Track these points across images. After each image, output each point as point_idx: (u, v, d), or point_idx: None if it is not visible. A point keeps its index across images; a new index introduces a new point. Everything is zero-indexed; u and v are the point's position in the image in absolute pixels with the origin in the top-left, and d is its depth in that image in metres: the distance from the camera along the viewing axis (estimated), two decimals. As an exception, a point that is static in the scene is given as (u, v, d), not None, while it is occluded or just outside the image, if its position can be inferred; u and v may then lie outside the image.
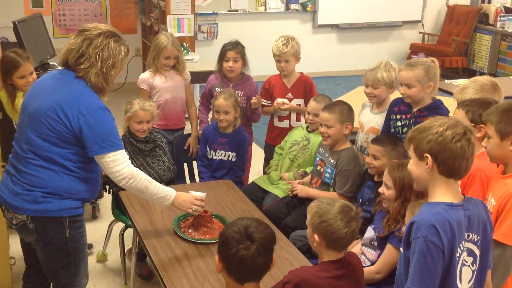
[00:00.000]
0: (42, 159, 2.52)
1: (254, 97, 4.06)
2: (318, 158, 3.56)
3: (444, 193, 1.99)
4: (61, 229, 2.58)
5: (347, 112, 3.42)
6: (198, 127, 4.26)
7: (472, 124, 2.59)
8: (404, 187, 2.70)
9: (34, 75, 3.59)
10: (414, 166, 2.05)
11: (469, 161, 1.98)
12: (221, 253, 2.03)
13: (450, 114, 3.21)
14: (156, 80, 4.07)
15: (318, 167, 3.53)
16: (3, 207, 2.63)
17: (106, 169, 2.56)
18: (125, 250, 3.71)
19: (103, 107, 2.55)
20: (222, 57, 4.11)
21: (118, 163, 2.55)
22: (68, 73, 2.58)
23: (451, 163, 1.95)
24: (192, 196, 2.84)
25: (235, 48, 4.07)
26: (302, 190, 3.50)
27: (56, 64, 4.80)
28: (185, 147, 4.15)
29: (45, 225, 2.56)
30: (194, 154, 4.15)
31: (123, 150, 2.60)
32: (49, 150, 2.51)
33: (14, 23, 4.58)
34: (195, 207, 2.82)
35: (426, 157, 1.98)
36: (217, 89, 4.11)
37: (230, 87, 4.11)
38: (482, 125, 2.53)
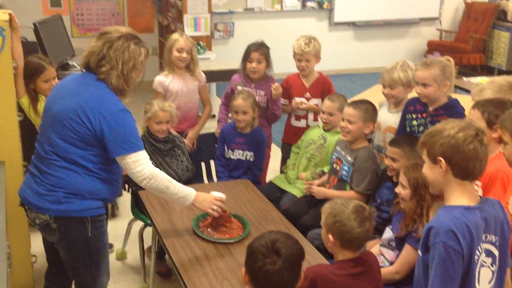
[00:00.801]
0: (65, 160, 2.56)
1: (274, 84, 4.02)
2: (334, 156, 3.58)
3: (460, 196, 2.00)
4: (83, 229, 2.62)
5: (371, 112, 3.42)
6: (217, 125, 4.29)
7: (488, 126, 2.58)
8: (418, 186, 2.71)
9: (57, 79, 3.64)
10: (429, 170, 2.06)
11: (483, 162, 1.99)
12: (247, 265, 2.03)
13: (466, 113, 3.21)
14: (171, 84, 4.08)
15: (335, 165, 3.54)
16: (27, 207, 2.68)
17: (128, 170, 2.60)
18: (144, 248, 3.75)
19: (124, 109, 2.59)
20: (246, 57, 4.12)
21: (139, 164, 2.59)
22: (89, 76, 2.62)
23: (465, 165, 1.96)
24: (212, 196, 2.87)
25: (260, 49, 4.08)
26: (319, 191, 3.51)
27: (76, 65, 4.86)
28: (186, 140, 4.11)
29: (68, 225, 2.61)
30: (189, 148, 4.08)
31: (144, 151, 2.63)
32: (71, 152, 2.55)
33: (34, 24, 4.63)
34: (215, 207, 2.84)
35: (440, 160, 1.99)
36: (239, 87, 4.13)
37: (252, 86, 4.13)
38: (498, 126, 2.53)
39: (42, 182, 2.59)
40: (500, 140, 2.53)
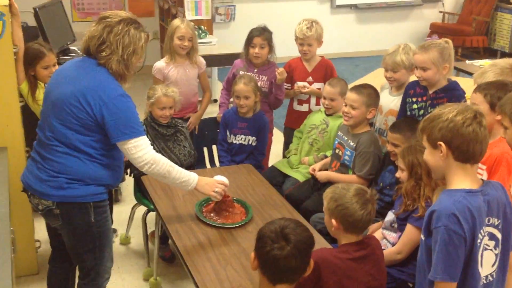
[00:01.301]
0: (66, 146, 2.56)
1: (279, 69, 4.00)
2: (336, 142, 3.57)
3: (462, 180, 2.00)
4: (86, 214, 2.63)
5: (374, 97, 3.42)
6: (218, 110, 4.28)
7: (491, 108, 2.57)
8: (414, 166, 2.74)
9: (57, 66, 3.62)
10: (429, 156, 2.06)
11: (483, 144, 1.98)
12: (257, 250, 2.04)
13: (467, 95, 3.20)
14: (170, 71, 4.08)
15: (337, 150, 3.54)
16: (29, 193, 2.69)
17: (129, 155, 2.60)
18: (148, 233, 3.77)
19: (124, 94, 2.58)
20: (248, 42, 4.10)
21: (140, 149, 2.59)
22: (89, 61, 2.61)
23: (465, 148, 1.96)
24: (214, 180, 2.87)
25: (262, 34, 4.06)
26: (322, 175, 3.52)
27: (77, 50, 4.84)
28: (188, 126, 4.08)
29: (71, 210, 2.62)
30: (191, 130, 4.09)
31: (145, 136, 2.63)
32: (72, 138, 2.55)
33: (34, 9, 4.60)
34: (217, 189, 2.84)
35: (440, 145, 1.99)
36: (241, 72, 4.12)
37: (255, 72, 4.12)
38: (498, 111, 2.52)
39: (44, 168, 2.60)
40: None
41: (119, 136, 2.55)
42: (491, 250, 2.05)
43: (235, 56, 4.48)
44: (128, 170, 3.73)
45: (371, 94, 3.40)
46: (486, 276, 2.06)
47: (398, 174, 2.86)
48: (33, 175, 2.64)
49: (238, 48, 4.94)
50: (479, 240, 1.98)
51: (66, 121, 2.54)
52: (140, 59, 2.69)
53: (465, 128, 1.94)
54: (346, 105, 3.42)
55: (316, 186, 3.57)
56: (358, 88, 3.44)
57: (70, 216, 2.63)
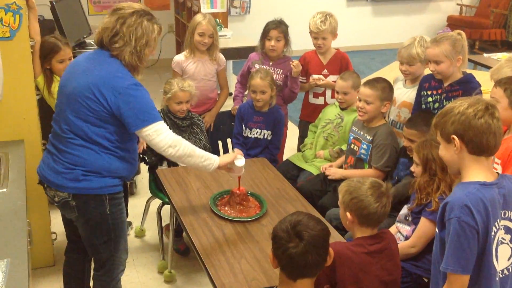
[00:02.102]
0: (82, 139, 2.58)
1: (294, 62, 3.97)
2: (351, 137, 3.55)
3: (477, 173, 1.99)
4: (101, 206, 2.65)
5: (388, 91, 3.39)
6: (233, 103, 4.28)
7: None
8: (428, 161, 2.72)
9: (73, 59, 3.64)
10: (444, 151, 2.05)
11: (497, 136, 1.97)
12: (273, 250, 2.05)
13: (483, 88, 3.16)
14: (189, 65, 4.08)
15: (352, 145, 3.52)
16: (45, 185, 2.71)
17: (150, 142, 2.60)
18: (163, 226, 3.79)
19: (137, 83, 2.58)
20: (264, 35, 4.08)
21: (161, 132, 2.59)
22: (102, 53, 2.63)
23: (478, 140, 1.94)
24: (233, 155, 2.86)
25: (279, 27, 4.04)
26: (335, 173, 3.50)
27: (92, 43, 4.85)
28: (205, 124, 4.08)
29: (86, 202, 2.64)
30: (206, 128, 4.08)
31: (162, 121, 2.63)
32: (87, 130, 2.56)
33: (51, 2, 4.63)
34: (239, 155, 2.84)
35: (453, 138, 1.97)
36: (257, 65, 4.11)
37: (270, 65, 4.11)
38: None
39: (60, 160, 2.62)
40: None
41: (138, 124, 2.55)
42: (507, 243, 2.03)
43: (250, 49, 4.46)
44: (143, 162, 3.74)
45: (385, 88, 3.38)
46: (502, 270, 2.04)
47: (413, 168, 2.84)
48: (49, 167, 2.66)
49: (253, 41, 4.93)
50: (493, 233, 1.96)
51: (81, 114, 2.55)
52: (153, 51, 2.70)
53: (477, 120, 1.93)
54: (360, 100, 3.40)
55: (327, 180, 3.56)
56: (371, 83, 3.42)
57: (85, 207, 2.65)
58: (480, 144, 1.95)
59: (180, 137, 2.67)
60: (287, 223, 2.01)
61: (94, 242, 2.76)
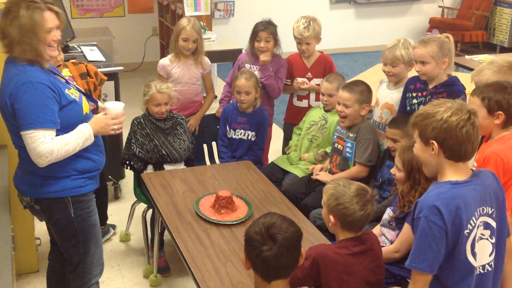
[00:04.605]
0: (25, 148, 2.49)
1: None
2: (335, 136, 3.58)
3: (452, 174, 2.02)
4: (64, 209, 2.62)
5: (366, 93, 3.42)
6: (219, 105, 4.28)
7: (489, 112, 2.54)
8: (413, 170, 2.72)
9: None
10: (420, 151, 2.08)
11: (475, 144, 2.00)
12: (246, 252, 2.05)
13: (467, 91, 3.19)
14: (174, 69, 4.08)
15: (336, 145, 3.55)
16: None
17: (26, 146, 2.45)
18: (148, 229, 3.75)
19: (28, 82, 2.41)
20: (254, 36, 4.09)
21: (34, 140, 2.41)
22: (6, 59, 2.52)
23: (457, 148, 1.98)
24: (106, 118, 2.65)
25: (267, 28, 4.04)
26: (325, 180, 3.50)
27: (76, 47, 4.83)
28: (190, 128, 4.07)
29: (49, 206, 2.63)
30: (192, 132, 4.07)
31: (44, 130, 2.42)
32: (20, 141, 2.49)
33: (33, 6, 4.59)
34: (115, 126, 2.66)
35: (432, 143, 2.00)
36: (247, 65, 4.12)
37: (260, 64, 4.10)
38: (500, 112, 2.51)
39: (22, 166, 2.64)
40: (503, 125, 2.52)
41: (20, 126, 2.42)
42: (486, 239, 2.06)
43: (234, 52, 4.47)
44: (132, 164, 3.67)
45: (363, 91, 3.40)
46: (483, 266, 2.06)
47: (393, 171, 2.85)
48: (16, 173, 2.70)
49: (238, 44, 4.92)
50: (467, 231, 1.98)
51: (9, 127, 2.54)
52: (54, 38, 2.49)
53: (459, 130, 1.96)
54: (339, 104, 3.42)
55: (311, 182, 3.57)
56: (349, 86, 3.44)
57: (49, 211, 2.65)
58: (458, 152, 1.99)
59: (54, 143, 2.43)
60: (261, 225, 2.00)
61: (64, 244, 2.76)
